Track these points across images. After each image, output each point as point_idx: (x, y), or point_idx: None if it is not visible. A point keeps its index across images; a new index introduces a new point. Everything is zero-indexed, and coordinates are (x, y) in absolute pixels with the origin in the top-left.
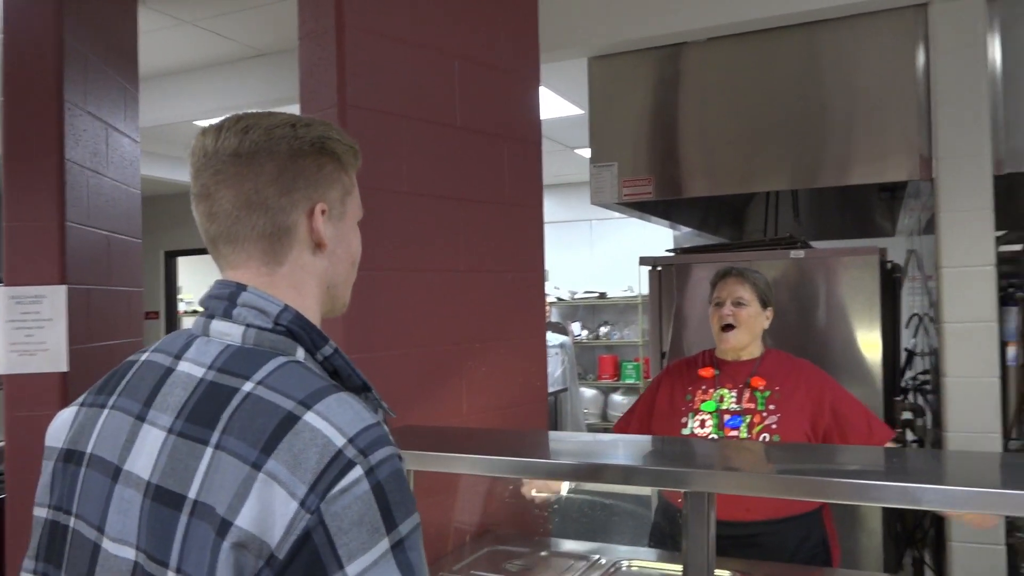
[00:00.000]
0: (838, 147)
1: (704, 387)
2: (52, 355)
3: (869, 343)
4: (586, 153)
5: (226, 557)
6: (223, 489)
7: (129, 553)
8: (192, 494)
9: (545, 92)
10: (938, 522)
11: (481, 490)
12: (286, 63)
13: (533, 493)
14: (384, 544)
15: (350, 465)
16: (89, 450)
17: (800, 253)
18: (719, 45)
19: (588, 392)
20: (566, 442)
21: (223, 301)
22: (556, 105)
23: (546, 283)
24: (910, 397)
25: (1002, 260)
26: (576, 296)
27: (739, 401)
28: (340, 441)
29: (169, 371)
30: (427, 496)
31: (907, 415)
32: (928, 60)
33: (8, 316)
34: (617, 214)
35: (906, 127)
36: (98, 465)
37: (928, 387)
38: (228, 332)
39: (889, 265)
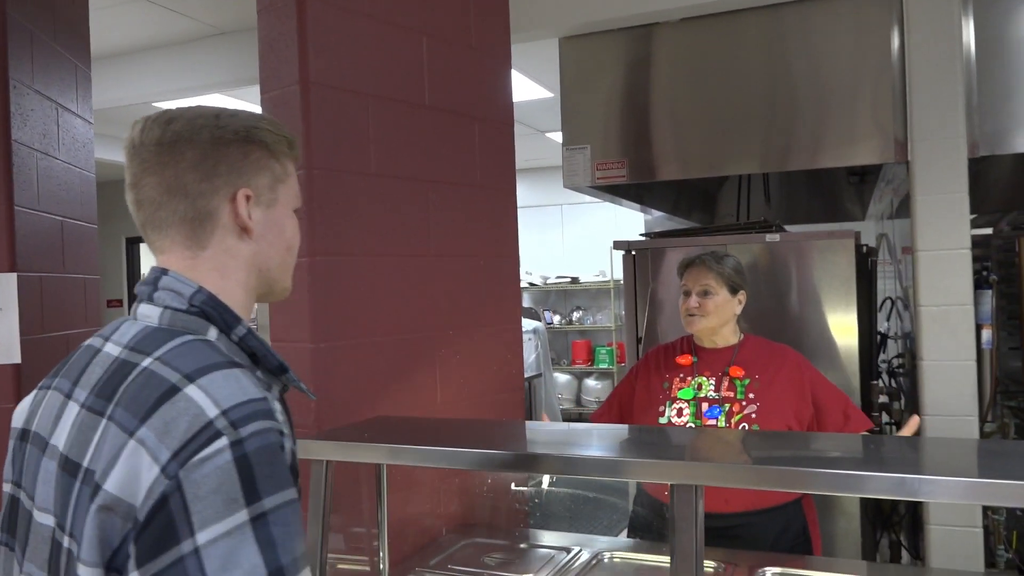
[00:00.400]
0: (809, 130)
1: (682, 375)
2: (3, 346)
3: (845, 327)
4: (557, 137)
5: (92, 519)
6: (103, 456)
7: (49, 520)
8: (85, 462)
9: (515, 75)
10: (913, 506)
11: (458, 482)
12: (248, 41)
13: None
14: (242, 515)
15: (217, 435)
16: (32, 428)
17: (775, 237)
18: (691, 26)
19: (562, 377)
20: (544, 433)
21: (148, 286)
22: (527, 88)
23: None
24: (884, 380)
25: (973, 244)
26: (548, 281)
27: (718, 389)
28: (213, 412)
29: (97, 352)
30: (402, 489)
31: (884, 399)
32: (903, 43)
33: None
34: (588, 198)
35: (880, 110)
36: (36, 440)
37: (902, 370)
38: (149, 314)
39: (864, 249)
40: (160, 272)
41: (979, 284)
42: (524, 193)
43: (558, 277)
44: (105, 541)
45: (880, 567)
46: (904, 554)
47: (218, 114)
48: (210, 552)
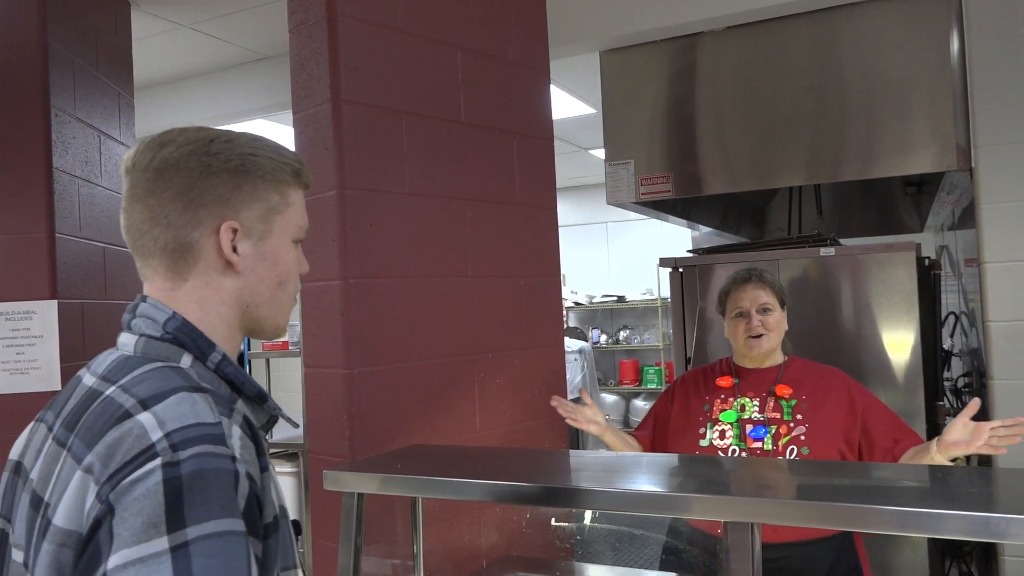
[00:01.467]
0: (862, 138)
1: (723, 396)
2: (44, 373)
3: (906, 344)
4: (600, 154)
5: (45, 556)
6: (58, 489)
7: (20, 556)
8: (46, 496)
9: (557, 91)
10: None
11: (499, 512)
12: (288, 66)
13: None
14: (161, 543)
15: (152, 456)
16: (24, 461)
17: (830, 251)
18: (736, 34)
19: (609, 398)
20: (589, 464)
21: (129, 314)
22: (568, 104)
23: (563, 287)
24: (949, 400)
25: None
26: (594, 300)
27: (762, 410)
28: (156, 435)
29: (80, 383)
30: (440, 519)
31: (950, 420)
32: (963, 45)
33: None
34: (634, 215)
35: (938, 116)
36: (22, 473)
37: (968, 390)
38: (126, 343)
39: (926, 261)
40: (140, 300)
41: None
42: (568, 211)
43: (604, 296)
44: None
45: None
46: None
47: (212, 139)
48: None
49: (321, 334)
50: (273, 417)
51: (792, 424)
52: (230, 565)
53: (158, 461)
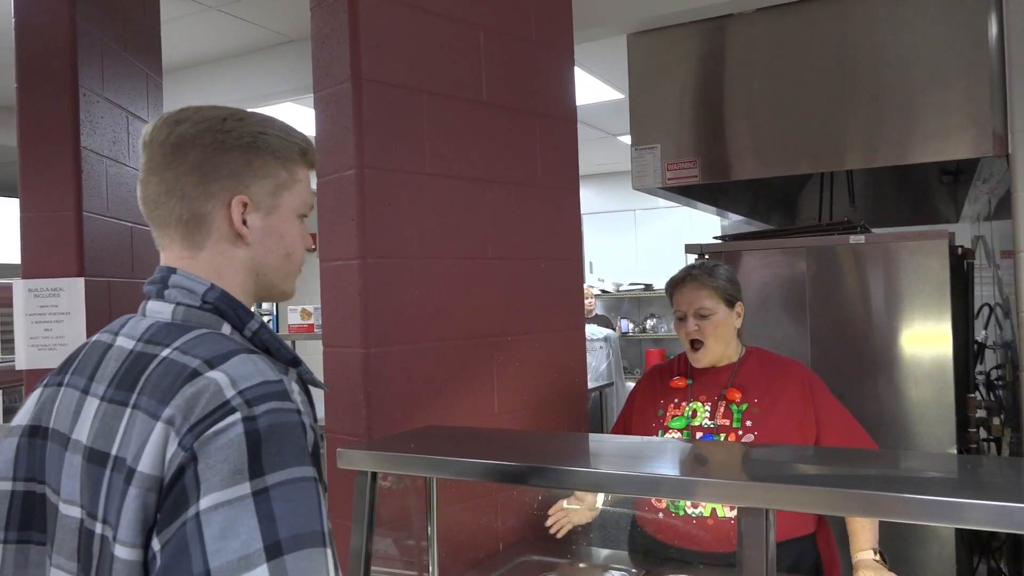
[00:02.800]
0: (896, 124)
1: (676, 400)
2: (71, 350)
3: (938, 336)
4: (628, 140)
5: (132, 502)
6: (132, 442)
7: (76, 512)
8: (114, 451)
9: (584, 75)
10: None
11: (516, 495)
12: None
13: (566, 504)
14: (244, 488)
15: (231, 411)
16: (50, 425)
17: (860, 238)
18: (767, 16)
19: None
20: (606, 448)
21: (157, 284)
22: (595, 89)
23: (590, 275)
24: (981, 393)
25: None
26: (621, 288)
27: (712, 417)
28: (230, 392)
29: (109, 347)
30: (456, 501)
31: (981, 413)
32: (1002, 29)
33: (27, 310)
34: (662, 202)
35: (975, 101)
36: (56, 437)
37: (1001, 383)
38: (160, 310)
39: (960, 250)
40: (168, 271)
41: None
42: (595, 198)
43: (631, 284)
44: (147, 520)
45: None
46: None
47: (225, 117)
48: (211, 518)
49: (339, 313)
50: (302, 381)
51: (741, 432)
52: (305, 508)
53: (238, 415)
